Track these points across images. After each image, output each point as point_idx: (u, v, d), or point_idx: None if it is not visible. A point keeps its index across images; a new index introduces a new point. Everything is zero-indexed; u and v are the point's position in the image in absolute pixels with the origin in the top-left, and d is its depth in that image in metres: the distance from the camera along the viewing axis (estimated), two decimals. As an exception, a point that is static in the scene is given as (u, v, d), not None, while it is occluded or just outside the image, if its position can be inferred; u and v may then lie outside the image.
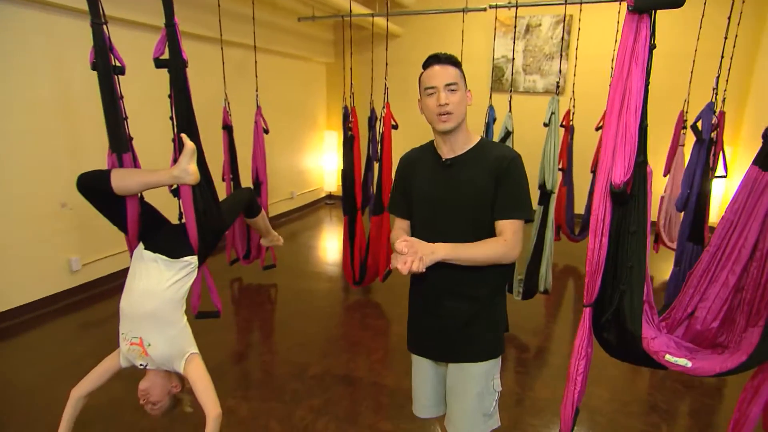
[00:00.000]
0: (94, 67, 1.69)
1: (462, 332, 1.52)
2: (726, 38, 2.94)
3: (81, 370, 1.89)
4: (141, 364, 1.80)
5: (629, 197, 1.27)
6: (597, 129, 4.30)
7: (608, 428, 2.30)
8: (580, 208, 4.96)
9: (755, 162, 1.21)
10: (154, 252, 1.74)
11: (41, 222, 3.35)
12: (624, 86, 1.20)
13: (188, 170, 1.69)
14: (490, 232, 1.45)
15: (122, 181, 1.62)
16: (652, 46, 1.18)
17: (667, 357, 1.25)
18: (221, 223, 1.91)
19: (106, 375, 1.84)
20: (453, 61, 1.46)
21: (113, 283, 3.82)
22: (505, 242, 1.40)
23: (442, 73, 1.42)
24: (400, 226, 1.63)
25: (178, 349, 1.81)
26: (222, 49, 3.77)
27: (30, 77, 3.18)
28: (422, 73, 1.48)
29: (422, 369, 1.66)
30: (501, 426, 2.28)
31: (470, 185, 1.45)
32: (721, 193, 4.94)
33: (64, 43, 3.28)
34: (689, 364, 1.22)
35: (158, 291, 1.74)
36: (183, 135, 1.70)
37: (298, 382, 2.65)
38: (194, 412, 1.94)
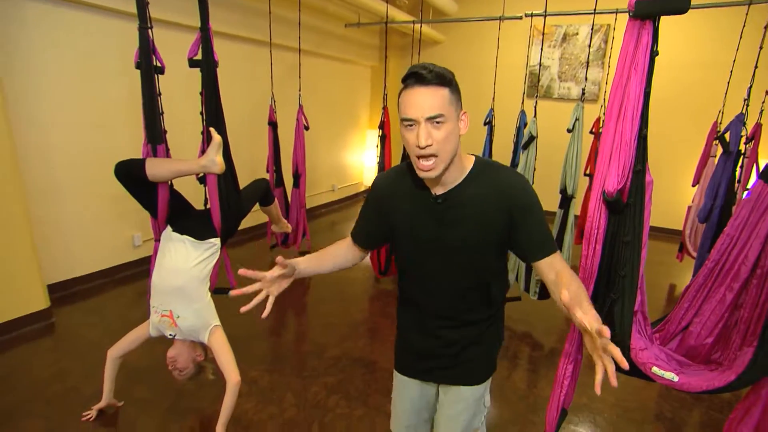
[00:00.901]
0: (138, 66, 1.75)
1: (459, 357, 1.31)
2: (761, 48, 2.65)
3: (131, 332, 2.00)
4: (170, 334, 1.87)
5: (624, 206, 1.17)
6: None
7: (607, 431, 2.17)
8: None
9: (761, 176, 1.08)
10: (182, 234, 1.79)
11: (110, 203, 3.55)
12: (623, 93, 1.10)
13: (215, 161, 1.72)
14: (492, 273, 1.22)
15: (155, 169, 1.67)
16: (655, 53, 1.07)
17: (654, 369, 1.15)
18: (241, 209, 1.95)
19: (136, 342, 1.93)
20: (444, 80, 1.02)
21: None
22: (574, 275, 1.10)
23: (425, 100, 1.00)
24: (347, 246, 1.34)
25: (204, 321, 1.86)
26: (270, 52, 3.84)
27: (102, 78, 3.36)
28: (401, 90, 1.05)
29: (409, 390, 1.42)
30: (501, 419, 2.22)
31: (472, 222, 1.13)
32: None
33: (133, 46, 3.44)
34: (676, 379, 1.11)
35: (186, 268, 1.79)
36: (211, 129, 1.73)
37: (317, 360, 2.67)
38: (216, 380, 2.01)
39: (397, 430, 1.50)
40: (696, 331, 1.21)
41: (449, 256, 1.18)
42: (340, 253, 1.33)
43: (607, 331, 0.79)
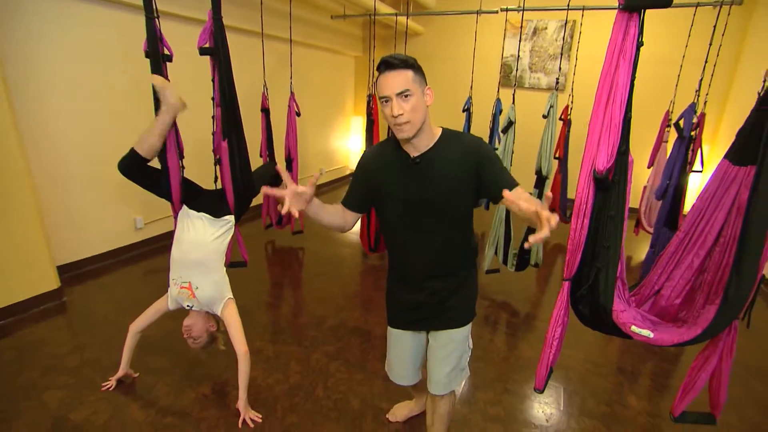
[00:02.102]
0: (147, 55, 1.68)
1: (444, 305, 1.43)
2: (710, 45, 2.73)
3: (144, 308, 1.99)
4: (188, 305, 1.86)
5: (611, 183, 1.21)
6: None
7: (579, 384, 2.27)
8: (573, 193, 4.81)
9: (726, 156, 1.13)
10: (198, 211, 1.77)
11: (113, 188, 3.43)
12: (611, 80, 1.12)
13: (170, 102, 1.66)
14: (465, 222, 1.34)
15: (144, 144, 1.65)
16: (640, 44, 1.09)
17: (633, 328, 1.21)
18: (252, 189, 1.92)
19: (156, 315, 1.90)
20: (407, 64, 1.18)
21: (169, 240, 3.90)
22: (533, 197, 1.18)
23: (394, 81, 1.16)
24: (342, 210, 1.42)
25: (219, 293, 1.85)
26: (263, 42, 3.72)
27: (106, 67, 3.20)
28: (377, 77, 1.22)
29: (404, 342, 1.55)
30: (487, 377, 2.30)
31: (445, 178, 1.26)
32: (697, 185, 4.70)
33: (134, 36, 3.27)
34: (651, 335, 1.18)
35: (205, 243, 1.78)
36: (155, 76, 1.66)
37: (316, 330, 2.69)
38: (227, 350, 2.00)
39: (396, 379, 1.62)
40: (667, 294, 1.27)
41: (429, 210, 1.30)
42: (336, 212, 1.40)
43: (554, 218, 0.93)
